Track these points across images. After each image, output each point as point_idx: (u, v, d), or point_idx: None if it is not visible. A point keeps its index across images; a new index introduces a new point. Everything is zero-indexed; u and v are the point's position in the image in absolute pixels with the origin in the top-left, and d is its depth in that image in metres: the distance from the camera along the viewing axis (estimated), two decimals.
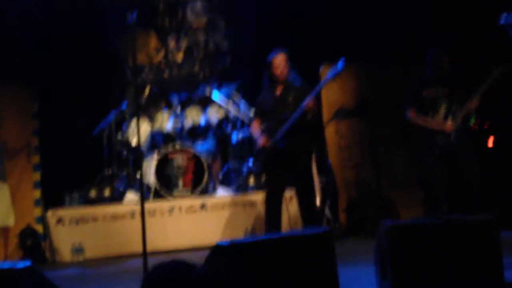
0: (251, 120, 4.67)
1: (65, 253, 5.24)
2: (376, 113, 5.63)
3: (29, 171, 5.63)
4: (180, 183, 5.64)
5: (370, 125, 5.57)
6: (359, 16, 6.31)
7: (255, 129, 4.55)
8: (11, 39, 6.17)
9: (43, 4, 6.40)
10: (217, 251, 3.20)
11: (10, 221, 5.41)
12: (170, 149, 5.73)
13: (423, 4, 6.21)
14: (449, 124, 4.45)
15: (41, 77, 6.17)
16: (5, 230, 5.40)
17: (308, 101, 4.09)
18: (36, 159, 5.69)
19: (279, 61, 4.36)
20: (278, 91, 4.41)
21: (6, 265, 2.95)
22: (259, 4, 7.03)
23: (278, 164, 4.30)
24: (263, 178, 5.57)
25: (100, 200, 5.62)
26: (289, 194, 4.93)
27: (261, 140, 4.34)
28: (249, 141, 6.10)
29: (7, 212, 5.42)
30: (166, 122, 6.06)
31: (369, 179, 5.72)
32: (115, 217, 5.41)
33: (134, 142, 5.96)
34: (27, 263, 2.90)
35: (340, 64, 4.05)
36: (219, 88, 6.28)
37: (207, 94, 6.22)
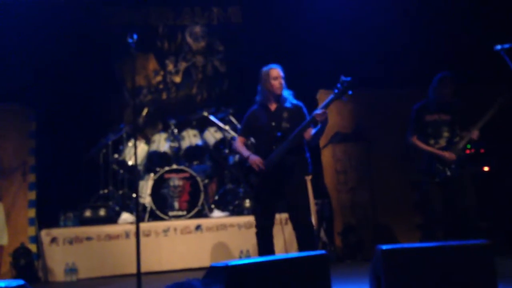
0: (236, 136, 4.33)
1: (59, 273, 5.19)
2: (372, 138, 5.70)
3: (24, 190, 5.62)
4: (176, 203, 5.63)
5: (366, 150, 5.63)
6: (357, 43, 6.44)
7: (240, 146, 4.23)
8: (9, 58, 6.22)
9: (43, 24, 6.48)
10: (212, 273, 3.20)
11: (4, 240, 5.33)
12: (166, 169, 5.73)
13: (420, 33, 6.36)
14: (451, 152, 4.47)
15: (39, 97, 6.20)
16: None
17: (320, 112, 3.85)
18: (32, 178, 5.68)
19: (277, 73, 4.17)
20: (273, 107, 4.17)
21: (0, 283, 2.94)
22: (259, 29, 7.16)
23: (271, 188, 4.05)
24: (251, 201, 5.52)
25: (95, 220, 5.59)
26: (285, 216, 4.92)
27: (254, 161, 4.02)
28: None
29: (1, 231, 5.35)
30: (163, 143, 6.08)
31: (365, 203, 5.76)
32: (109, 237, 5.38)
33: (130, 162, 5.97)
34: (20, 282, 2.88)
35: (349, 78, 3.87)
36: (216, 110, 6.33)
37: (205, 116, 6.25)
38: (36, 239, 5.36)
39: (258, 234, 4.22)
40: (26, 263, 5.15)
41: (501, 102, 4.36)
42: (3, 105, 5.78)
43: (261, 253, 4.18)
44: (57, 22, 6.64)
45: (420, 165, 4.60)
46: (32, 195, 5.60)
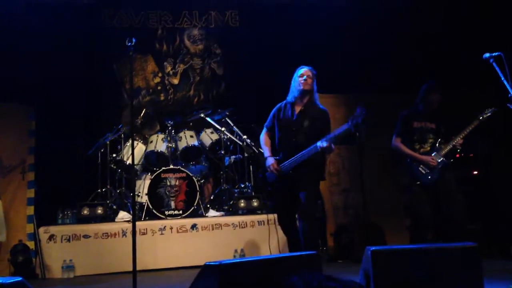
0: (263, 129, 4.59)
1: (56, 270, 5.28)
2: (364, 141, 5.80)
3: (23, 188, 5.68)
4: (172, 203, 5.73)
5: (358, 152, 5.72)
6: (352, 49, 6.56)
7: (265, 143, 4.51)
8: (10, 57, 6.30)
9: (44, 25, 6.57)
10: (206, 271, 3.29)
11: (2, 237, 5.45)
12: (163, 169, 5.83)
13: (413, 40, 6.49)
14: (433, 158, 4.62)
15: (39, 97, 6.28)
16: None
17: (325, 145, 4.08)
18: (30, 176, 5.74)
19: (305, 71, 4.36)
20: (298, 109, 4.36)
21: None
22: (256, 33, 7.27)
23: (286, 189, 4.32)
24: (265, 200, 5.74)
25: (92, 218, 5.68)
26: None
27: (271, 164, 4.33)
28: (240, 165, 6.25)
29: (0, 227, 5.48)
30: (160, 143, 6.19)
31: (357, 205, 5.88)
32: (106, 235, 5.47)
33: (128, 162, 6.07)
34: (18, 278, 2.96)
35: (361, 111, 4.03)
36: (213, 112, 6.44)
37: (201, 117, 6.36)
38: (34, 236, 5.43)
39: (283, 231, 4.51)
40: (24, 260, 5.23)
41: (481, 119, 4.57)
42: (4, 104, 5.83)
43: (291, 248, 4.41)
44: (58, 23, 6.73)
45: (405, 169, 4.75)
46: (31, 193, 5.67)
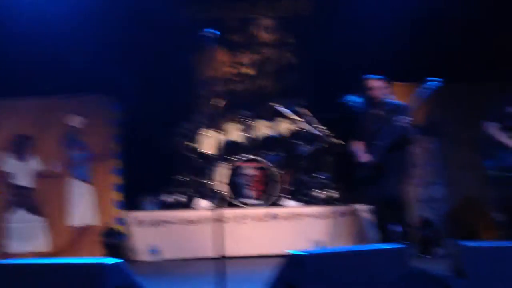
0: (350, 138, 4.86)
1: (143, 253, 5.59)
2: (447, 132, 5.67)
3: (111, 175, 6.00)
4: (251, 192, 5.86)
5: (441, 144, 5.61)
6: (437, 38, 6.35)
7: (357, 147, 4.69)
8: (95, 52, 6.61)
9: (125, 20, 6.83)
10: (291, 260, 3.36)
11: (94, 220, 5.84)
12: (241, 159, 5.95)
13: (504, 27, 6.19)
14: None
15: (122, 88, 6.55)
16: (90, 229, 5.83)
17: (403, 120, 4.34)
18: (117, 164, 6.05)
19: (374, 84, 4.66)
20: (375, 111, 4.64)
21: (98, 260, 3.20)
22: (329, 21, 7.20)
23: (377, 179, 4.48)
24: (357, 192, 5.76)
25: (175, 205, 5.94)
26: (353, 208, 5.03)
27: (361, 156, 4.57)
28: (318, 154, 6.28)
29: (92, 212, 5.86)
30: (237, 133, 6.32)
31: (441, 198, 5.74)
32: (188, 222, 5.70)
33: (205, 151, 6.26)
34: (118, 260, 3.16)
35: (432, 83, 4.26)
36: (289, 102, 6.48)
37: (277, 107, 6.42)
38: (123, 221, 5.75)
39: (375, 214, 4.66)
40: (115, 243, 5.56)
41: None
42: (91, 96, 6.17)
43: (380, 230, 4.55)
44: (137, 17, 6.97)
45: (497, 160, 4.59)
46: (118, 180, 5.98)
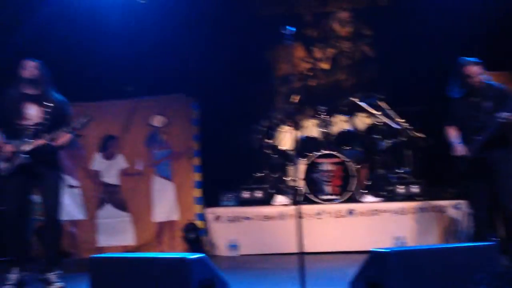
0: (446, 125, 4.60)
1: (222, 248, 5.73)
2: None
3: (190, 172, 6.17)
4: (328, 188, 5.81)
5: None
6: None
7: (451, 134, 4.51)
8: (174, 53, 6.83)
9: (199, 19, 7.00)
10: (373, 257, 3.29)
11: (175, 216, 6.06)
12: (317, 154, 5.91)
13: None
14: None
15: (200, 87, 6.72)
16: (171, 224, 6.05)
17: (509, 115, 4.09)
18: (196, 161, 6.21)
19: (471, 69, 4.35)
20: (473, 97, 4.38)
21: (182, 255, 3.33)
22: (407, 11, 6.96)
23: (478, 173, 4.30)
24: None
25: (252, 201, 6.01)
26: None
27: (458, 149, 4.37)
28: (397, 148, 6.10)
29: (173, 207, 6.08)
30: (314, 128, 6.28)
31: None
32: (266, 218, 5.75)
33: (282, 147, 6.28)
34: (201, 255, 3.26)
35: None
36: (366, 96, 6.34)
37: (354, 101, 6.31)
38: (202, 217, 5.91)
39: (475, 209, 4.49)
40: (195, 238, 5.72)
41: None
42: (171, 96, 6.39)
43: (477, 226, 4.42)
44: (215, 17, 7.11)
45: None
46: (197, 177, 6.14)
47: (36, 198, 4.61)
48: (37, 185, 4.31)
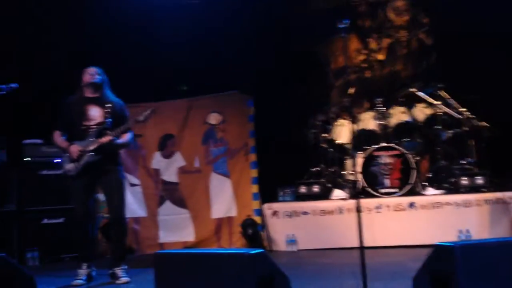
0: None
1: (280, 243, 5.72)
2: None
3: (247, 168, 6.21)
4: (387, 181, 5.69)
5: None
6: None
7: None
8: (229, 52, 6.90)
9: (252, 17, 7.03)
10: (438, 252, 3.18)
11: (233, 212, 6.13)
12: (375, 147, 5.80)
13: None
14: None
15: (255, 84, 6.74)
16: (229, 220, 6.13)
17: None
18: (252, 158, 6.23)
19: None
20: None
21: (242, 250, 3.37)
22: None
23: None
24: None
25: (309, 196, 5.97)
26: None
27: None
28: (459, 139, 5.88)
29: (231, 204, 6.15)
30: (371, 121, 6.16)
31: None
32: (324, 212, 5.70)
33: (339, 141, 6.20)
34: (260, 250, 3.26)
35: None
36: (424, 85, 6.15)
37: (412, 92, 6.13)
38: (260, 212, 5.94)
39: None
40: (253, 233, 5.76)
41: None
42: (228, 93, 6.44)
43: None
44: (263, 11, 7.13)
45: None
46: (254, 173, 6.16)
47: (100, 196, 4.82)
48: (102, 184, 4.50)
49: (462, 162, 5.78)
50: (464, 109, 5.75)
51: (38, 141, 5.87)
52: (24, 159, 5.79)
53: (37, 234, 5.65)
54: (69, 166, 4.37)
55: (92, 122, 4.40)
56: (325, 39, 7.43)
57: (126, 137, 4.48)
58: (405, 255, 4.96)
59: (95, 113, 4.42)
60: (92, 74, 4.47)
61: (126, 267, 4.46)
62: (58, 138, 4.47)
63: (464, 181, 5.43)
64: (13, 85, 4.34)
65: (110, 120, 4.40)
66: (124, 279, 4.34)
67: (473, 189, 5.37)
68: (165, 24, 6.96)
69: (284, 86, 7.07)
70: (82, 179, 4.36)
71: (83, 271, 4.35)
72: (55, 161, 5.80)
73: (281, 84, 7.06)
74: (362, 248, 3.46)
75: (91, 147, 4.32)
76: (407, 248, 5.26)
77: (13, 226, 5.54)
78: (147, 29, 6.99)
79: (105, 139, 4.32)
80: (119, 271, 4.39)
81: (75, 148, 4.33)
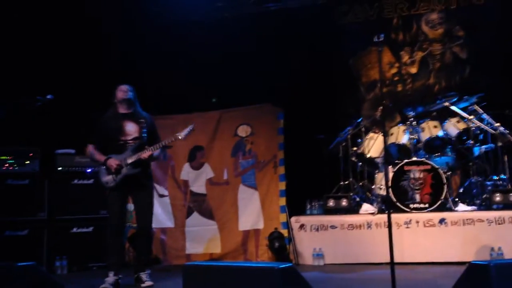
0: None
1: (307, 257, 5.65)
2: None
3: (275, 181, 6.18)
4: (417, 196, 5.56)
5: None
6: None
7: None
8: (259, 64, 6.93)
9: (281, 31, 7.06)
10: (472, 270, 3.09)
11: (260, 225, 6.10)
12: (405, 161, 5.69)
13: None
14: None
15: (284, 97, 6.74)
16: (256, 232, 6.10)
17: None
18: (281, 170, 6.20)
19: None
20: None
21: (269, 264, 3.35)
22: (503, 9, 6.55)
23: None
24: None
25: (338, 210, 5.90)
26: None
27: None
28: (493, 154, 5.72)
29: (258, 216, 6.13)
30: (402, 135, 6.05)
31: None
32: (352, 227, 5.61)
33: (369, 155, 6.11)
34: (289, 264, 3.23)
35: None
36: (458, 99, 6.01)
37: (445, 106, 6.00)
38: (287, 225, 5.89)
39: None
40: (280, 246, 5.71)
41: None
42: (257, 106, 6.46)
43: None
44: (292, 26, 7.15)
45: None
46: (282, 186, 6.13)
47: (129, 206, 4.92)
48: (135, 197, 4.68)
49: (495, 178, 5.61)
50: (498, 124, 5.58)
51: (71, 151, 6.02)
52: (57, 169, 5.94)
53: (66, 242, 5.76)
54: (107, 178, 4.55)
55: (129, 137, 4.62)
56: (356, 53, 7.40)
57: (158, 151, 4.67)
58: (434, 272, 4.82)
59: (131, 128, 4.64)
60: (125, 91, 4.69)
61: (150, 271, 4.61)
62: (94, 151, 4.65)
63: (497, 197, 5.26)
64: (49, 97, 4.56)
65: (146, 134, 4.61)
66: (148, 283, 4.49)
67: (506, 206, 5.19)
68: (197, 36, 7.07)
69: (314, 99, 7.04)
70: (119, 191, 4.55)
71: (110, 279, 4.44)
72: (86, 171, 5.94)
73: (312, 97, 7.03)
74: (392, 264, 3.39)
75: (129, 161, 4.53)
76: (436, 265, 5.11)
77: (43, 235, 5.66)
78: (179, 42, 7.12)
79: (146, 154, 4.52)
80: (143, 275, 4.55)
81: (113, 162, 4.52)
